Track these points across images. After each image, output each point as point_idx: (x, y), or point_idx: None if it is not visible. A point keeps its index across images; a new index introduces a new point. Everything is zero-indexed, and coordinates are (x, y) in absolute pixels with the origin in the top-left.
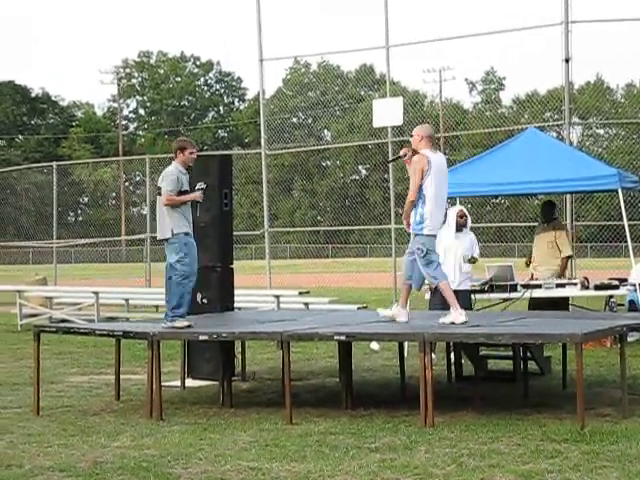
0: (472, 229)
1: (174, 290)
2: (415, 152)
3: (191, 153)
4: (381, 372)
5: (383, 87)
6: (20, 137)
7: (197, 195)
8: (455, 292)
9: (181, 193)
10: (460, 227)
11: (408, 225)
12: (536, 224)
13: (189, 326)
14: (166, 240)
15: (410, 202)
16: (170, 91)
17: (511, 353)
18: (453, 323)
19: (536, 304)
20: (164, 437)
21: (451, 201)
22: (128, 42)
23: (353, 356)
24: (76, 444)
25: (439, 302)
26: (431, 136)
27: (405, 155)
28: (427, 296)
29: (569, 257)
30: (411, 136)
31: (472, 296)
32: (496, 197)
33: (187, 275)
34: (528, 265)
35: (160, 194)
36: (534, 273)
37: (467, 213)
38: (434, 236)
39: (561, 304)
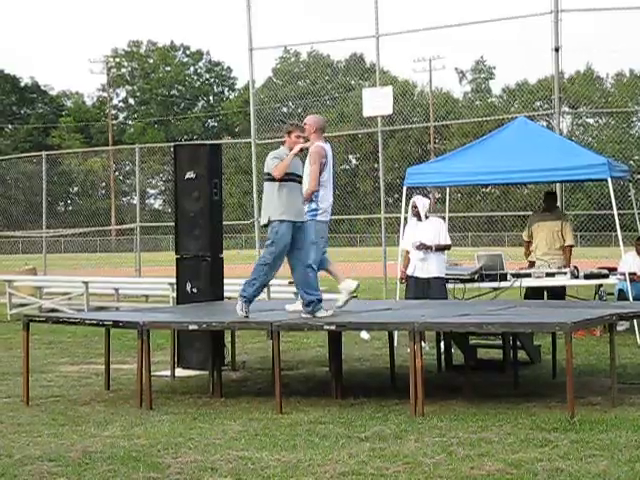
0: (462, 218)
1: (253, 270)
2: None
3: (297, 137)
4: (371, 361)
5: (373, 76)
6: (9, 127)
7: (299, 147)
8: (428, 280)
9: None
10: (416, 216)
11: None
12: (527, 213)
13: (246, 316)
14: (265, 226)
15: (313, 192)
16: (160, 80)
17: (501, 342)
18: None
19: (533, 293)
20: (154, 427)
21: (440, 191)
22: (118, 31)
23: (343, 345)
24: (66, 434)
25: (412, 294)
26: (323, 128)
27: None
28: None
29: (572, 247)
30: (304, 126)
31: (463, 285)
32: (486, 186)
33: (266, 263)
34: (528, 255)
35: (266, 180)
36: (537, 262)
37: (417, 204)
38: (326, 222)
39: (558, 293)
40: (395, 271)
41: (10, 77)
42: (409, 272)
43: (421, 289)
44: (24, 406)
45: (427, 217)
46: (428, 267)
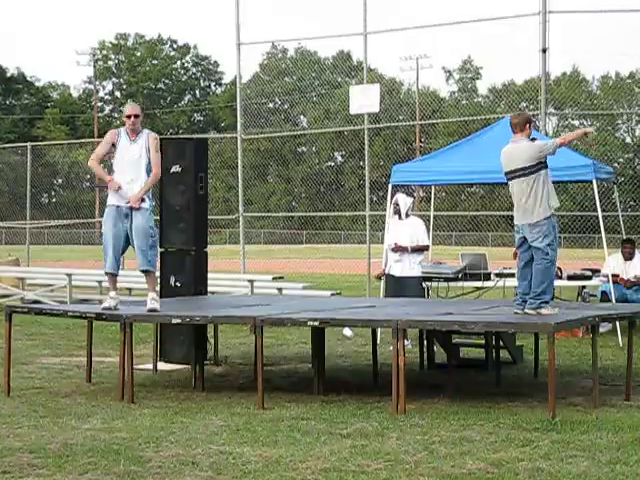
0: (446, 217)
1: (541, 276)
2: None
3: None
4: (354, 358)
5: (360, 74)
6: None
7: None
8: (403, 279)
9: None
10: (397, 214)
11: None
12: (511, 213)
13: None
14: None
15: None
16: (146, 74)
17: (484, 341)
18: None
19: None
20: (135, 420)
21: (425, 189)
22: (105, 24)
23: (326, 342)
24: (46, 426)
25: (390, 292)
26: None
27: None
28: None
29: None
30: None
31: (447, 284)
32: (471, 186)
33: (554, 260)
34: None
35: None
36: None
37: (399, 201)
38: None
39: None
40: (379, 269)
41: None
42: (386, 270)
43: (398, 287)
44: (5, 397)
45: (408, 216)
46: (402, 267)
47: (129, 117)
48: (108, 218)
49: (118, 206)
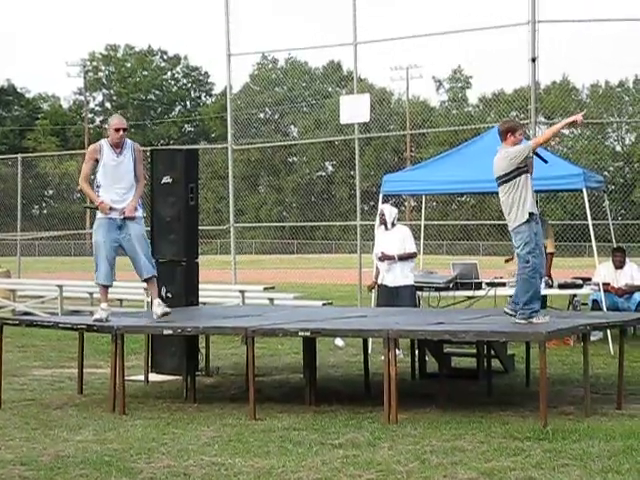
0: (437, 227)
1: (525, 285)
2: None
3: (520, 135)
4: (345, 368)
5: (350, 84)
6: None
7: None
8: (397, 288)
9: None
10: (383, 224)
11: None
12: (502, 222)
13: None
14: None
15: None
16: (137, 85)
17: (475, 351)
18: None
19: None
20: (127, 431)
21: (416, 199)
22: (95, 35)
23: (317, 352)
24: (38, 437)
25: (383, 302)
26: None
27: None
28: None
29: (552, 254)
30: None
31: (438, 293)
32: (462, 195)
33: (537, 268)
34: (508, 262)
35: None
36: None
37: (385, 212)
38: None
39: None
40: (371, 279)
41: None
42: (379, 281)
43: (391, 297)
44: None
45: (394, 225)
46: (394, 276)
47: (118, 130)
48: (100, 228)
49: (111, 218)
